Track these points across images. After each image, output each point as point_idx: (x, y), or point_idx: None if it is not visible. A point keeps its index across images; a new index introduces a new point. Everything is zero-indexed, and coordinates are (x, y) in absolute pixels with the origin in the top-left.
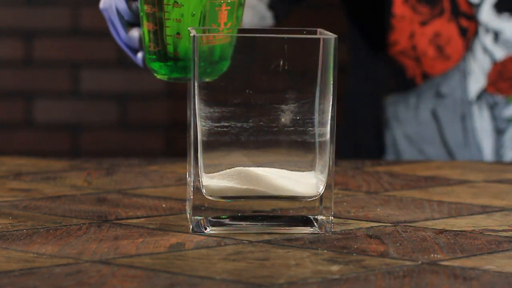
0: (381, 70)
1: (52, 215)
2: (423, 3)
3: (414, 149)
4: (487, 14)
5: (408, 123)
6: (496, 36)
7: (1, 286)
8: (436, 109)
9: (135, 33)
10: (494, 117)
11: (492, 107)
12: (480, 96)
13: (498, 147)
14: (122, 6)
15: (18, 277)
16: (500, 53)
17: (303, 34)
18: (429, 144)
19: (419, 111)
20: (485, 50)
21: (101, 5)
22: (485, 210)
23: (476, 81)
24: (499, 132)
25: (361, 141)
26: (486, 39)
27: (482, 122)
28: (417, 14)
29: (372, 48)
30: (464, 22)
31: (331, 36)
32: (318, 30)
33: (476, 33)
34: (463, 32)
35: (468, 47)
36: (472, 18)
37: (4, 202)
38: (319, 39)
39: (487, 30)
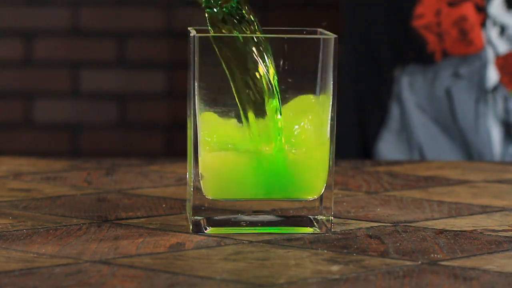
0: (401, 40)
1: (52, 215)
2: None
3: (427, 117)
4: (497, 8)
5: (422, 94)
6: (502, 30)
7: (1, 286)
8: (451, 88)
9: None
10: (507, 110)
11: (507, 99)
12: (497, 87)
13: (505, 137)
14: None
15: (18, 277)
16: (503, 47)
17: (303, 34)
18: (441, 116)
19: (434, 88)
20: (489, 43)
21: None
22: (485, 210)
23: (496, 72)
24: (508, 125)
25: (367, 110)
26: (492, 33)
27: (495, 110)
28: None
29: (394, 18)
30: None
31: (331, 36)
32: (318, 30)
33: (483, 25)
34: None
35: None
36: (482, 9)
37: (4, 202)
38: (319, 39)
39: (495, 23)
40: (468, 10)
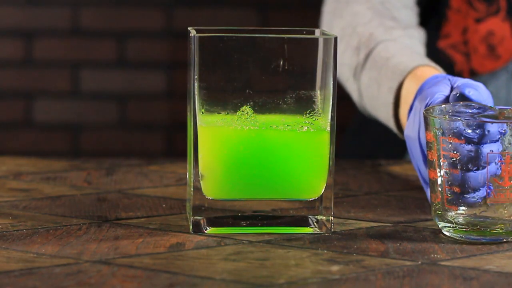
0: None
1: (52, 215)
2: None
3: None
4: None
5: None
6: None
7: (1, 286)
8: None
9: None
10: None
11: None
12: None
13: None
14: (425, 144)
15: (18, 277)
16: None
17: (303, 34)
18: None
19: None
20: None
21: (406, 131)
22: None
23: None
24: None
25: (384, 137)
26: None
27: None
28: (473, 10)
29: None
30: None
31: (331, 36)
32: (318, 30)
33: None
34: None
35: None
36: None
37: (4, 202)
38: (319, 39)
39: None
40: (495, 24)
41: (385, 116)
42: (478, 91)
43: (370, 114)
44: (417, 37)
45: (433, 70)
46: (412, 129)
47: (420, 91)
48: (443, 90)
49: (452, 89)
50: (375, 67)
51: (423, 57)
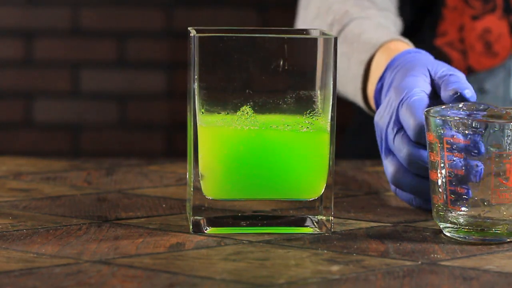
0: None
1: (52, 215)
2: None
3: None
4: None
5: None
6: None
7: (1, 286)
8: None
9: (388, 165)
10: None
11: None
12: None
13: None
14: (390, 138)
15: (18, 277)
16: None
17: (303, 34)
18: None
19: None
20: None
21: (376, 117)
22: None
23: None
24: None
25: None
26: None
27: None
28: (469, 7)
29: (418, 36)
30: None
31: (331, 36)
32: (318, 30)
33: None
34: None
35: None
36: None
37: (4, 202)
38: (319, 39)
39: None
40: (492, 22)
41: (353, 91)
42: (472, 89)
43: (338, 91)
44: (392, 19)
45: (405, 45)
46: (382, 118)
47: (391, 65)
48: (421, 86)
49: (432, 80)
50: (346, 42)
51: (396, 34)
